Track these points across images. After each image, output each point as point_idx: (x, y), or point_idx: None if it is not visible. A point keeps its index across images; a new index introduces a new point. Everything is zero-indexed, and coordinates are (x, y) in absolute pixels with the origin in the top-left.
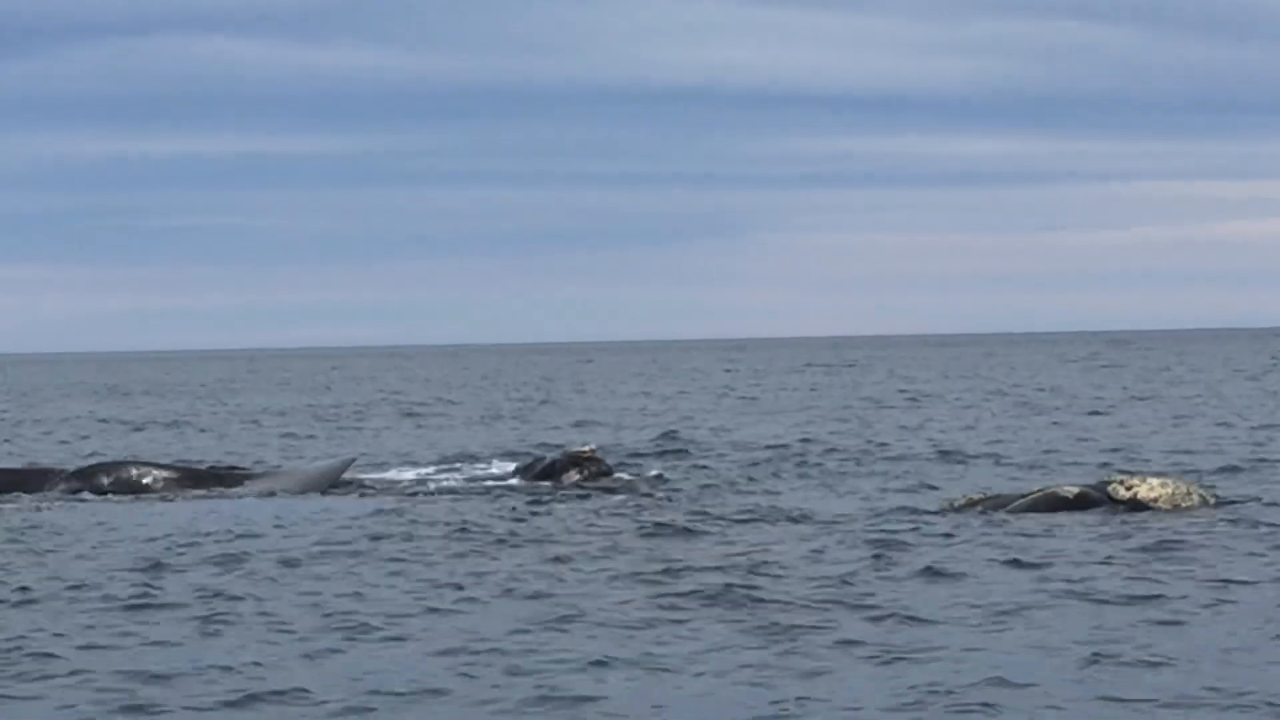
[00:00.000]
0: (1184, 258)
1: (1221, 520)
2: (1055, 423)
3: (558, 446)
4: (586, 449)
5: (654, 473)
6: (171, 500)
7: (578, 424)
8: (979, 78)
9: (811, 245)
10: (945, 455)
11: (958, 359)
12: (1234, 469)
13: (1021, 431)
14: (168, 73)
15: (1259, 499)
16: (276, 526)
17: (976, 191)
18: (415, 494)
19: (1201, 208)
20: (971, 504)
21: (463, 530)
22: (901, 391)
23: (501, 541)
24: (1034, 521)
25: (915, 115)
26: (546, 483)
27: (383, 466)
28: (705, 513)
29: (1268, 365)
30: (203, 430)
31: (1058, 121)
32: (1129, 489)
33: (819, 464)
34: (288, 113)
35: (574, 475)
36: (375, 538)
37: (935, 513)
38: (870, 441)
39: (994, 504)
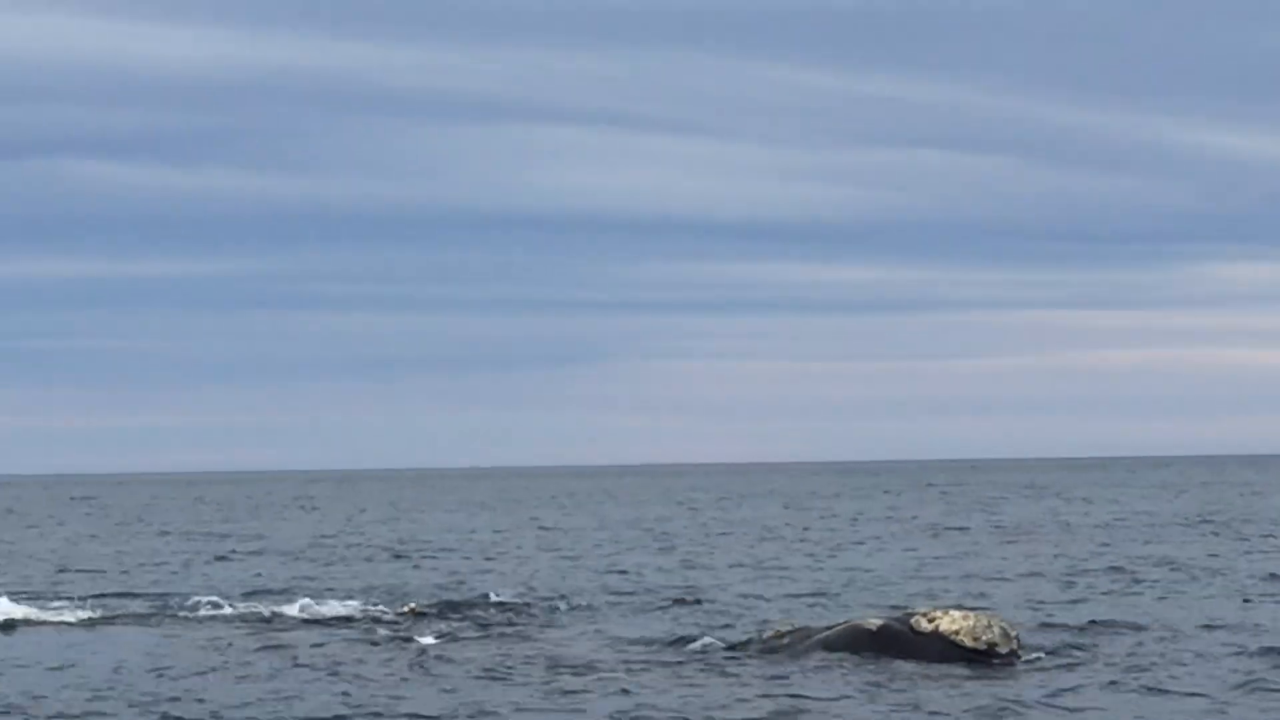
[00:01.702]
0: (1052, 385)
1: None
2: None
3: None
4: None
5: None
6: None
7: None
8: (849, 205)
9: (686, 371)
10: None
11: (819, 488)
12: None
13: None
14: (39, 195)
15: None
16: None
17: (847, 319)
18: None
19: (1071, 337)
20: (779, 635)
21: None
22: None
23: None
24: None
25: (787, 242)
26: None
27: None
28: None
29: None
30: None
31: (927, 250)
32: (931, 621)
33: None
34: (160, 236)
35: None
36: None
37: (735, 646)
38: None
39: (801, 635)
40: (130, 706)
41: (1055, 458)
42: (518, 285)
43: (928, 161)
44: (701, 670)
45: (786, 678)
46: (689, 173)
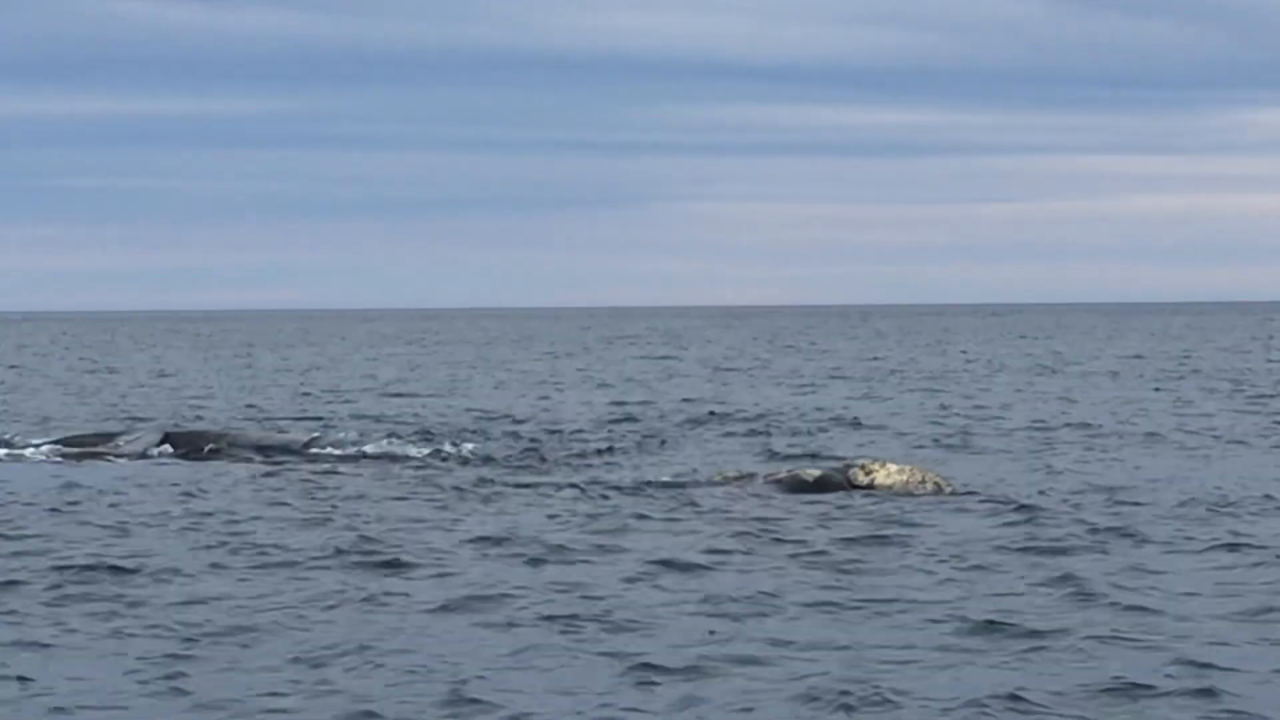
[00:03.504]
0: (1092, 231)
1: (940, 508)
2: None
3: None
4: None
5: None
6: None
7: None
8: (884, 49)
9: (719, 213)
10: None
11: (838, 329)
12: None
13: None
14: (83, 33)
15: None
16: None
17: (884, 162)
18: None
19: (1111, 182)
20: (727, 480)
21: None
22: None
23: None
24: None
25: (824, 85)
26: None
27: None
28: None
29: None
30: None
31: (966, 94)
32: (868, 474)
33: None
34: (201, 75)
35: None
36: None
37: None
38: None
39: (745, 482)
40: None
41: (1088, 303)
42: (550, 128)
43: (962, 6)
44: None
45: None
46: (722, 15)
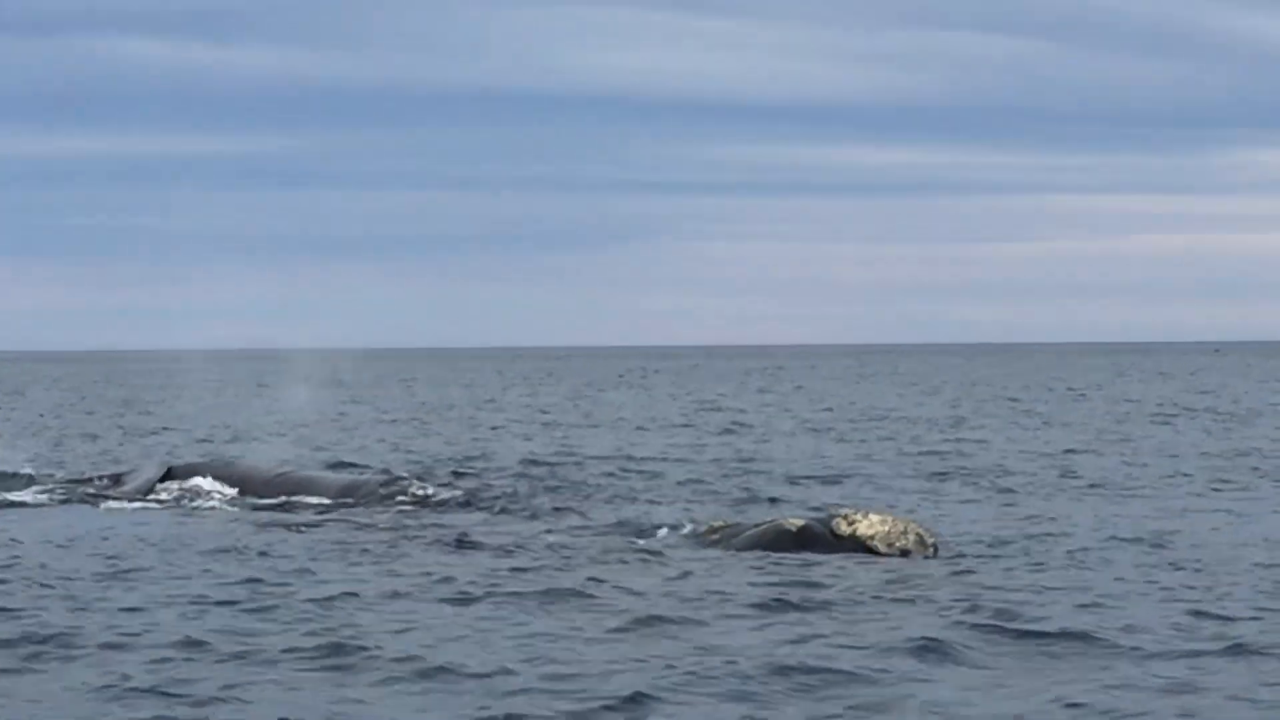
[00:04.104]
0: (1093, 270)
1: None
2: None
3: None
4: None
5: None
6: None
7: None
8: (891, 88)
9: (722, 253)
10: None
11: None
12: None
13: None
14: (73, 72)
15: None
16: None
17: (881, 201)
18: None
19: (1110, 221)
20: (712, 531)
21: None
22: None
23: None
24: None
25: (829, 125)
26: None
27: None
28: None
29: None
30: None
31: (962, 133)
32: (850, 524)
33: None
34: (191, 113)
35: None
36: None
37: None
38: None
39: (731, 533)
40: None
41: (1087, 342)
42: (552, 166)
43: (964, 44)
44: (629, 558)
45: (691, 571)
46: (724, 53)
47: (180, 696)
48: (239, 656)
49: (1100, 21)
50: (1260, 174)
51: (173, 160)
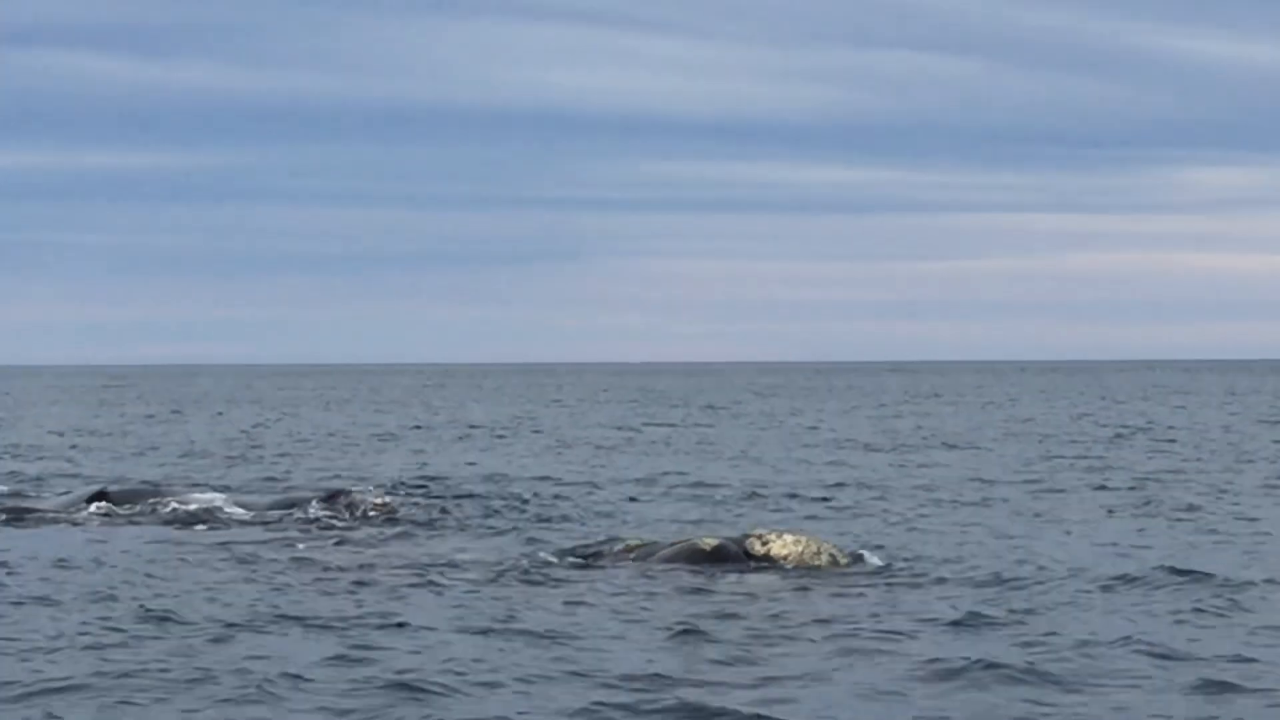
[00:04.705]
0: (1024, 288)
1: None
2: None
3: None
4: None
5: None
6: None
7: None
8: (821, 106)
9: (662, 270)
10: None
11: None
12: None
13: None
14: (10, 86)
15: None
16: None
17: (817, 219)
18: None
19: (1044, 240)
20: (629, 550)
21: None
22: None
23: None
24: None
25: (765, 142)
26: None
27: None
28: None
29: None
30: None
31: (899, 151)
32: (764, 544)
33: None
34: (132, 128)
35: None
36: None
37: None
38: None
39: (646, 551)
40: None
41: (1024, 360)
42: (488, 183)
43: (900, 63)
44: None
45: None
46: (662, 71)
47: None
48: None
49: (1037, 41)
50: (1200, 194)
51: (105, 174)
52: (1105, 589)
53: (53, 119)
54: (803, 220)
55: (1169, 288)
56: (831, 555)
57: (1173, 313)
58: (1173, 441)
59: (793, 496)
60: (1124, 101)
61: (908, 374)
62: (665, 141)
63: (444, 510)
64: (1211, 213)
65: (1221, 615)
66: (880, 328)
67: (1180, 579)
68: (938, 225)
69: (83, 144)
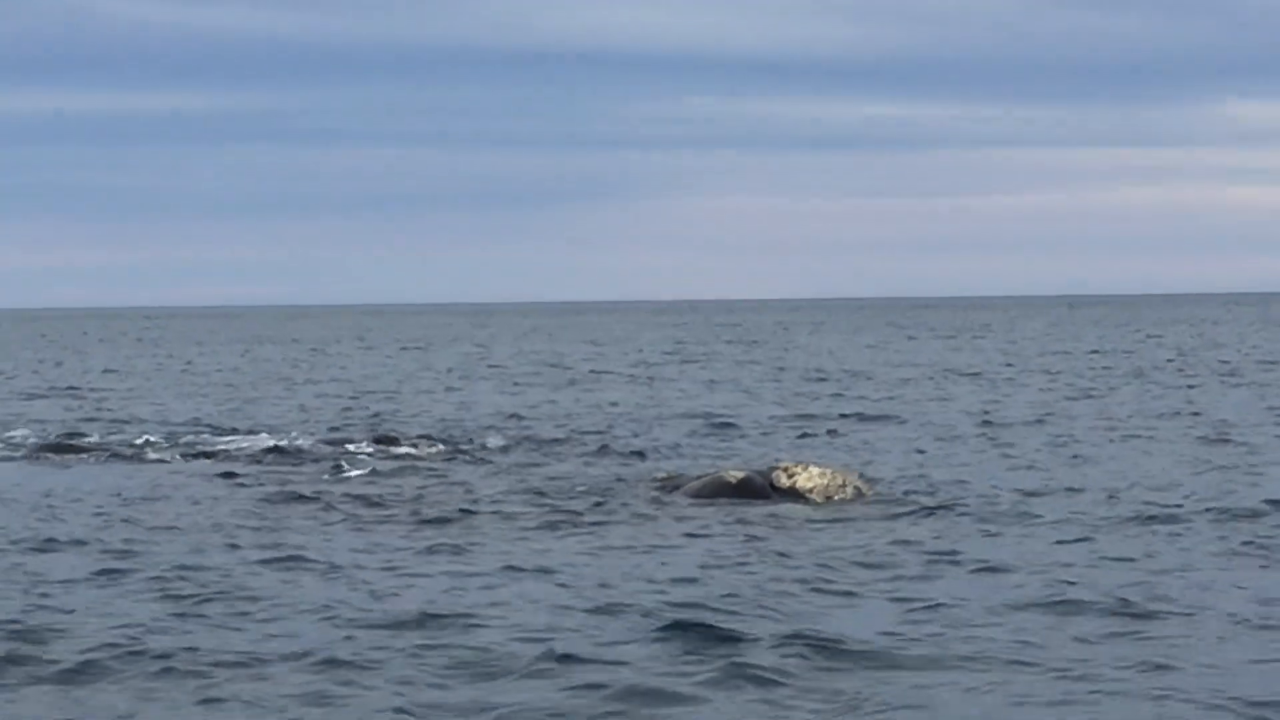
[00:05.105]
0: (1073, 224)
1: (835, 519)
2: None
3: None
4: None
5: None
6: None
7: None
8: (862, 41)
9: (696, 208)
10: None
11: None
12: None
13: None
14: (43, 28)
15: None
16: None
17: (859, 155)
18: None
19: (1091, 174)
20: (655, 481)
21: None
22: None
23: None
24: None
25: (804, 78)
26: None
27: None
28: None
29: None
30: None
31: (941, 86)
32: (790, 476)
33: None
34: (163, 70)
35: None
36: None
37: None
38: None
39: (674, 484)
40: None
41: (1067, 295)
42: (526, 121)
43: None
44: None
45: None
46: (707, 9)
47: None
48: None
49: None
50: (1240, 127)
51: (140, 118)
52: (1113, 518)
53: (93, 61)
54: (844, 156)
55: (1211, 220)
56: (857, 488)
57: (1212, 246)
58: None
59: (831, 427)
60: (1162, 33)
61: (945, 310)
62: (704, 78)
63: (483, 447)
64: (1253, 145)
65: None
66: (921, 263)
67: None
68: (974, 160)
69: (101, 87)
